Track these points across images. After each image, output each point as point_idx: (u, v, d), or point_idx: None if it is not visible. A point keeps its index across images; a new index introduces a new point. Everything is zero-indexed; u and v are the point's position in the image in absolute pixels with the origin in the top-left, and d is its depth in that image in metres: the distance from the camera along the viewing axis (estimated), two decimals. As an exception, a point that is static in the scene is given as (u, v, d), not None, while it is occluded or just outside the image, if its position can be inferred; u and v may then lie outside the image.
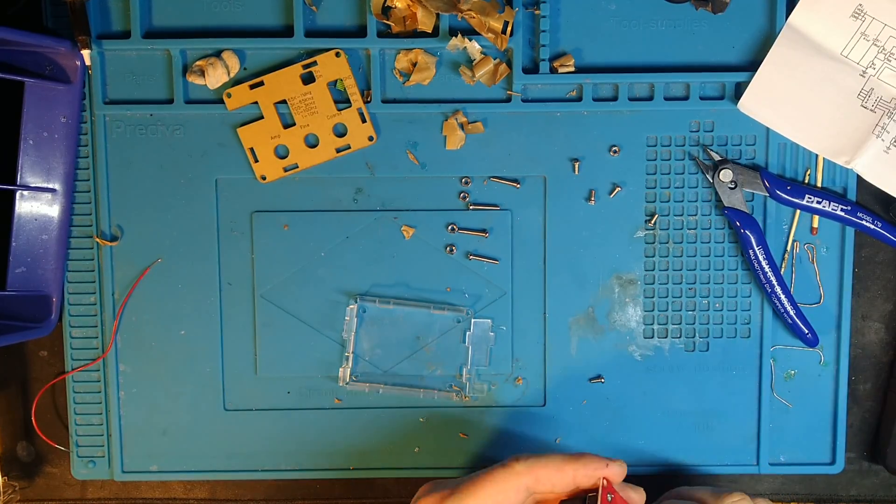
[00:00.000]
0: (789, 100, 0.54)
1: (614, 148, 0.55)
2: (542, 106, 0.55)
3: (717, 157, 0.55)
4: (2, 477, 0.57)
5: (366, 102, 0.55)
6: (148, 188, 0.55)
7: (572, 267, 0.56)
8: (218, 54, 0.54)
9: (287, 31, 0.54)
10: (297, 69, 0.54)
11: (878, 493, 0.59)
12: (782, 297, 0.55)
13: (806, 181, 0.56)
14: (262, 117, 0.54)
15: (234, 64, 0.54)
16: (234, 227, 0.56)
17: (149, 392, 0.56)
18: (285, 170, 0.55)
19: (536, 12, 0.54)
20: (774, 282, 0.55)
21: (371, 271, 0.56)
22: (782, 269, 0.56)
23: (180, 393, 0.56)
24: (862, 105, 0.54)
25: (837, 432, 0.57)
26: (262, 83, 0.54)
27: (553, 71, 0.54)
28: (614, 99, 0.55)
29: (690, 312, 0.56)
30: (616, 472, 0.47)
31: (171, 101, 0.55)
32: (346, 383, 0.56)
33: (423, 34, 0.54)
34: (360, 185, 0.56)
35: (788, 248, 0.56)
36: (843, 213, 0.55)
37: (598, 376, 0.57)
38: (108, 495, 0.58)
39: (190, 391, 0.56)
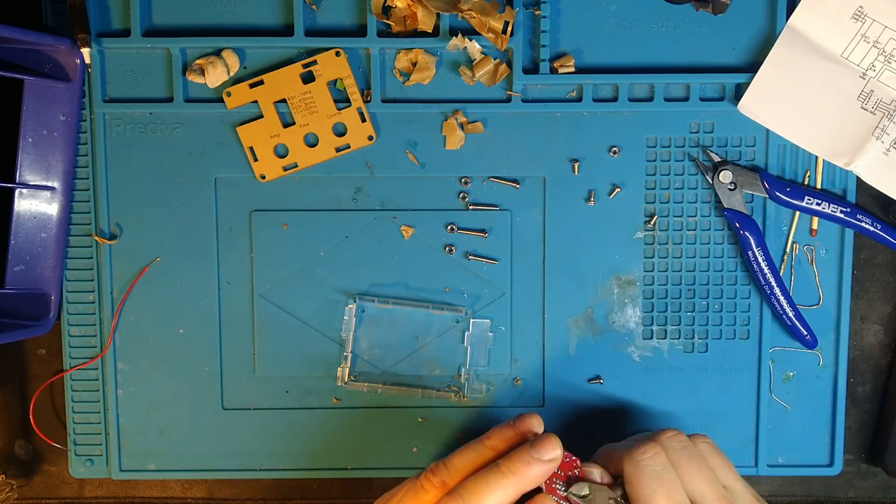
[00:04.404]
0: (789, 101, 0.54)
1: (614, 149, 0.55)
2: (542, 106, 0.55)
3: (716, 159, 0.55)
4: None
5: (366, 102, 0.55)
6: (147, 187, 0.55)
7: (571, 267, 0.56)
8: (218, 53, 0.54)
9: (287, 30, 0.54)
10: (296, 68, 0.54)
11: (876, 495, 0.59)
12: (781, 298, 0.55)
13: (805, 183, 0.56)
14: (261, 116, 0.54)
15: (233, 63, 0.54)
16: (234, 226, 0.56)
17: (147, 391, 0.56)
18: (285, 169, 0.55)
19: (537, 12, 0.54)
20: (773, 283, 0.55)
21: (370, 271, 0.56)
22: (781, 271, 0.56)
23: (178, 392, 0.56)
24: (862, 107, 0.54)
25: (836, 434, 0.57)
26: (261, 82, 0.54)
27: (553, 71, 0.54)
28: (614, 100, 0.55)
29: (689, 313, 0.56)
30: (529, 427, 0.45)
31: (170, 100, 0.55)
32: (345, 383, 0.56)
33: (424, 34, 0.54)
34: (359, 184, 0.56)
35: (788, 249, 0.56)
36: (842, 215, 0.55)
37: (597, 377, 0.57)
38: (105, 494, 0.58)
39: (188, 390, 0.56)
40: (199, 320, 0.56)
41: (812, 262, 0.56)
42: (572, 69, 0.54)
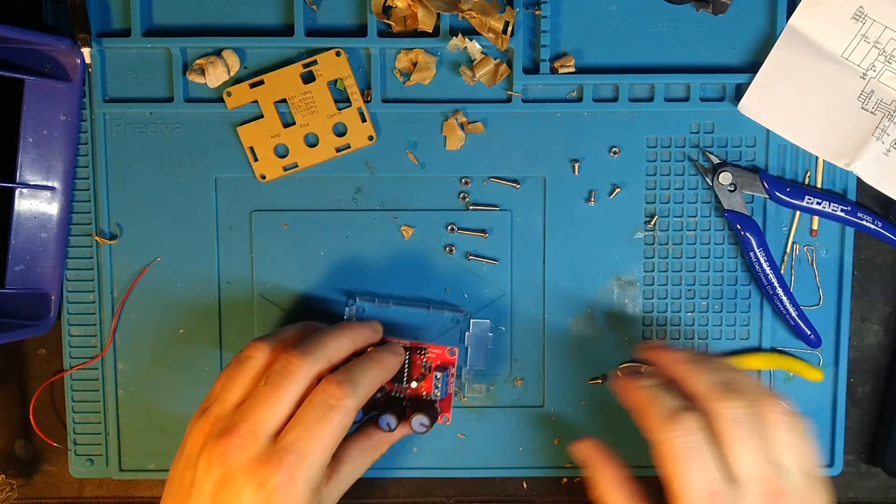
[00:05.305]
0: (789, 101, 0.54)
1: (614, 149, 0.55)
2: (543, 106, 0.55)
3: (716, 161, 0.55)
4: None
5: (366, 102, 0.55)
6: (147, 187, 0.55)
7: (571, 268, 0.56)
8: (218, 53, 0.54)
9: (287, 30, 0.54)
10: (297, 68, 0.54)
11: (876, 495, 0.59)
12: (784, 298, 0.55)
13: (806, 183, 0.56)
14: (262, 116, 0.54)
15: (234, 62, 0.54)
16: (234, 226, 0.56)
17: (147, 391, 0.56)
18: (285, 169, 0.55)
19: (537, 12, 0.54)
20: (776, 284, 0.55)
21: (370, 271, 0.56)
22: (781, 271, 0.56)
23: (178, 392, 0.56)
24: (862, 107, 0.54)
25: (836, 435, 0.57)
26: (262, 82, 0.54)
27: (553, 71, 0.54)
28: (614, 100, 0.55)
29: (689, 314, 0.56)
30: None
31: (171, 100, 0.55)
32: (345, 383, 0.56)
33: (424, 34, 0.54)
34: (359, 184, 0.56)
35: (788, 249, 0.56)
36: (843, 214, 0.55)
37: (597, 377, 0.57)
38: (105, 494, 0.58)
39: (188, 390, 0.56)
40: (199, 320, 0.56)
41: (812, 262, 0.56)
42: (572, 69, 0.54)
